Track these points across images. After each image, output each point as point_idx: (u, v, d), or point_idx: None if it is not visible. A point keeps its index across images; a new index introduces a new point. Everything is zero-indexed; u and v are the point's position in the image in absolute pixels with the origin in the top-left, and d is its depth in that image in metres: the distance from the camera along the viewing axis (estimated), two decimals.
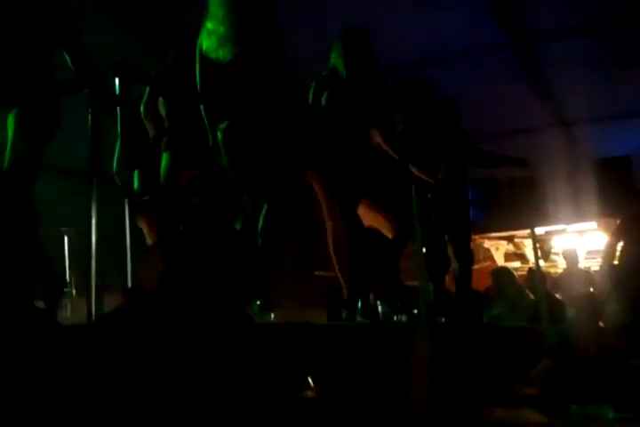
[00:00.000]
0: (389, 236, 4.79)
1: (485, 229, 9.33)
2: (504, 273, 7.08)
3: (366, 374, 3.81)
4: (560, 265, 9.74)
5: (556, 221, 9.00)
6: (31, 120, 3.14)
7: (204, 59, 3.81)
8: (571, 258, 8.20)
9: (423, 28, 7.75)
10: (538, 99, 9.32)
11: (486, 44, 8.32)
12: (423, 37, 7.84)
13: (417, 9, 7.54)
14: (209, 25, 3.80)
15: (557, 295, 7.41)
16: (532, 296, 7.00)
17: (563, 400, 3.67)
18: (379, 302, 5.22)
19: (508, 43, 8.42)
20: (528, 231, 7.45)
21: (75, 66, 3.36)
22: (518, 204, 9.12)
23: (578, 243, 9.46)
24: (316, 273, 9.13)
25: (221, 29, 3.75)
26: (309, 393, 3.22)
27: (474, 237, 9.59)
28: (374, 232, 5.25)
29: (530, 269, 7.83)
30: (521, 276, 8.93)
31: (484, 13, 7.75)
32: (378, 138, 4.86)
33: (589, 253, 9.08)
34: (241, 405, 1.70)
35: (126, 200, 2.90)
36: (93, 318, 2.52)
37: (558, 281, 8.18)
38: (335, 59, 4.53)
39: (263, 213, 4.10)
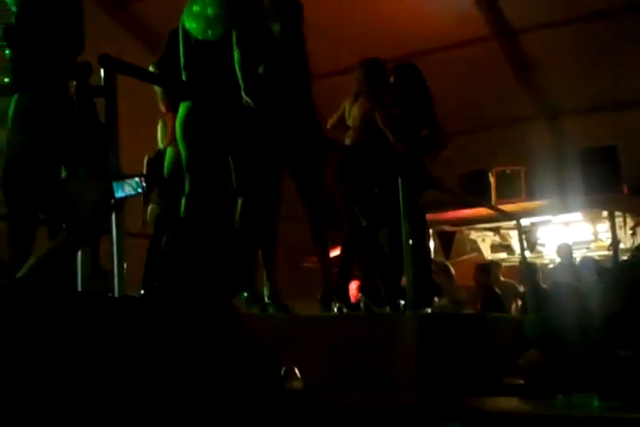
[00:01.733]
0: None
1: (472, 220, 9.36)
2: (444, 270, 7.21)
3: (353, 365, 3.82)
4: (546, 256, 9.79)
5: (542, 213, 9.03)
6: None
7: (192, 39, 3.85)
8: (564, 253, 8.23)
9: (408, 20, 7.74)
10: (523, 90, 9.35)
11: (472, 35, 8.33)
12: (408, 30, 7.84)
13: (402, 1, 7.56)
14: (195, 8, 3.84)
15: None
16: (463, 292, 7.26)
17: (549, 390, 3.69)
18: (362, 295, 5.23)
19: (494, 35, 8.44)
20: (514, 222, 7.47)
21: None
22: (505, 194, 9.16)
23: (563, 234, 9.50)
24: (305, 264, 9.14)
25: (209, 11, 3.79)
26: (296, 384, 3.23)
27: (461, 228, 9.65)
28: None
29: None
30: (507, 267, 8.99)
31: (470, 5, 7.76)
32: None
33: (575, 244, 9.11)
34: (227, 397, 1.70)
35: None
36: None
37: (550, 275, 8.23)
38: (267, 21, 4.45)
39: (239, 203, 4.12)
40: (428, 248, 5.72)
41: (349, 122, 5.38)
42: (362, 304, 5.18)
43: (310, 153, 4.48)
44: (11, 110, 3.54)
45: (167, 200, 4.42)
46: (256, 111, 4.14)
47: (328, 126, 5.50)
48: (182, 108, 3.92)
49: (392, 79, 5.46)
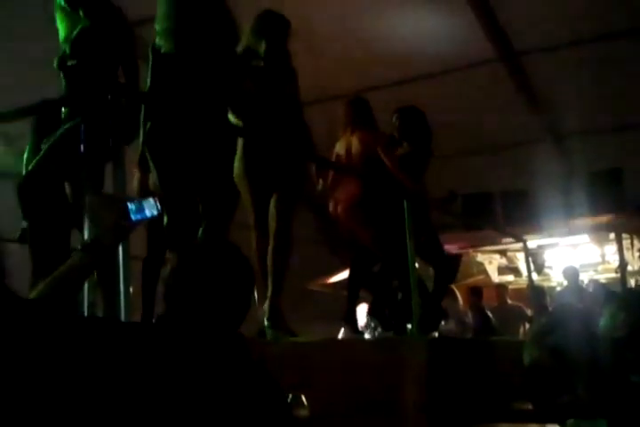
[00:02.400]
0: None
1: (478, 242, 9.34)
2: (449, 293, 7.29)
3: (360, 390, 3.79)
4: (553, 279, 9.75)
5: (549, 235, 9.00)
6: None
7: (157, 55, 3.80)
8: (571, 276, 8.20)
9: (413, 43, 7.77)
10: (529, 112, 9.35)
11: (477, 58, 8.35)
12: (412, 53, 7.86)
13: (405, 24, 7.57)
14: (157, 26, 3.81)
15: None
16: (469, 316, 7.29)
17: (558, 415, 3.65)
18: (371, 318, 5.21)
19: (499, 57, 8.46)
20: (521, 245, 7.45)
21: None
22: (511, 217, 9.14)
23: (571, 256, 9.46)
24: (310, 287, 9.13)
25: (165, 25, 3.76)
26: (303, 411, 3.20)
27: (467, 250, 9.63)
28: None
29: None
30: (514, 290, 8.95)
31: (474, 28, 7.78)
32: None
33: (583, 266, 9.07)
34: (234, 425, 1.68)
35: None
36: None
37: (557, 298, 8.22)
38: (252, 39, 4.39)
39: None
40: (443, 271, 5.65)
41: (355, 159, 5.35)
42: (369, 328, 5.16)
43: (295, 173, 4.42)
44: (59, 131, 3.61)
45: (150, 225, 4.31)
46: (241, 129, 4.11)
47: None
48: (147, 128, 3.81)
49: (395, 119, 5.49)
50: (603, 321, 4.24)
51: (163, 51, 3.77)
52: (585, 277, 8.78)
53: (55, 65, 3.75)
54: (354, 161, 5.29)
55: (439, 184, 5.67)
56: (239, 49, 4.31)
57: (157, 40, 3.81)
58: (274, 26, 4.42)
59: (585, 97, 8.55)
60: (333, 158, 5.43)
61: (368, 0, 7.34)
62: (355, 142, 5.30)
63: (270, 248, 4.28)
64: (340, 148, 5.40)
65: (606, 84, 8.51)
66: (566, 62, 8.36)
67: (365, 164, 5.22)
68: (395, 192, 4.94)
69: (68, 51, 3.72)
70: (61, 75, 3.75)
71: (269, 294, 4.23)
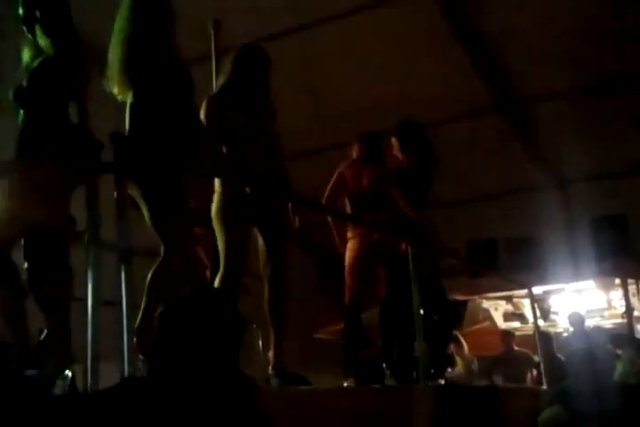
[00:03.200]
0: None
1: (484, 289, 9.32)
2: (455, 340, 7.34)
3: None
4: (560, 325, 9.69)
5: (554, 281, 8.98)
6: None
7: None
8: (576, 321, 8.16)
9: (414, 94, 7.87)
10: (533, 159, 9.41)
11: (478, 106, 8.44)
12: (415, 102, 7.95)
13: (407, 76, 7.69)
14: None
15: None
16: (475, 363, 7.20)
17: None
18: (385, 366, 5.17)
19: (500, 105, 8.55)
20: (526, 291, 7.44)
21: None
22: (516, 263, 9.13)
23: (576, 302, 9.41)
24: (315, 335, 9.07)
25: (111, 72, 3.63)
26: None
27: (473, 297, 9.59)
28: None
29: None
30: (520, 336, 8.89)
31: (474, 77, 7.89)
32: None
33: (589, 312, 9.02)
34: None
35: (122, 267, 2.89)
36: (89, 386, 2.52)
37: (563, 344, 8.15)
38: (234, 71, 4.34)
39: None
40: (446, 317, 5.64)
41: (364, 190, 5.40)
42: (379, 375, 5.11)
43: (276, 212, 4.32)
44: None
45: None
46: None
47: (326, 196, 5.50)
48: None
49: (394, 140, 5.57)
50: (619, 366, 4.22)
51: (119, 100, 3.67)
52: (591, 323, 8.71)
53: (11, 96, 3.52)
54: (363, 191, 5.36)
55: (444, 231, 5.69)
56: (220, 81, 4.39)
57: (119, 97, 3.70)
58: (259, 58, 4.43)
59: (587, 143, 8.61)
60: (334, 177, 5.51)
61: (368, 54, 7.47)
62: (364, 176, 5.37)
63: (267, 296, 4.25)
64: (345, 169, 5.49)
65: (608, 131, 8.58)
66: (569, 109, 8.44)
67: (373, 197, 5.28)
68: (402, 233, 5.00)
69: (25, 81, 3.46)
70: (18, 107, 3.52)
71: (273, 341, 4.21)
